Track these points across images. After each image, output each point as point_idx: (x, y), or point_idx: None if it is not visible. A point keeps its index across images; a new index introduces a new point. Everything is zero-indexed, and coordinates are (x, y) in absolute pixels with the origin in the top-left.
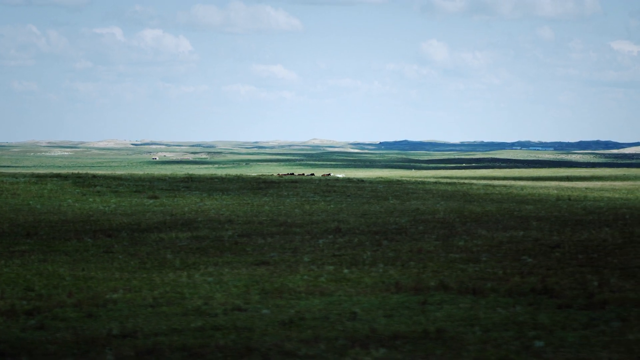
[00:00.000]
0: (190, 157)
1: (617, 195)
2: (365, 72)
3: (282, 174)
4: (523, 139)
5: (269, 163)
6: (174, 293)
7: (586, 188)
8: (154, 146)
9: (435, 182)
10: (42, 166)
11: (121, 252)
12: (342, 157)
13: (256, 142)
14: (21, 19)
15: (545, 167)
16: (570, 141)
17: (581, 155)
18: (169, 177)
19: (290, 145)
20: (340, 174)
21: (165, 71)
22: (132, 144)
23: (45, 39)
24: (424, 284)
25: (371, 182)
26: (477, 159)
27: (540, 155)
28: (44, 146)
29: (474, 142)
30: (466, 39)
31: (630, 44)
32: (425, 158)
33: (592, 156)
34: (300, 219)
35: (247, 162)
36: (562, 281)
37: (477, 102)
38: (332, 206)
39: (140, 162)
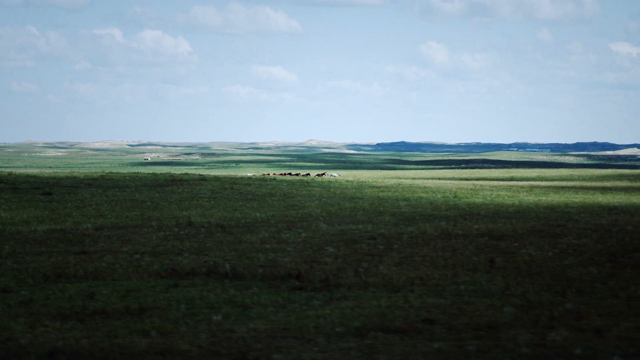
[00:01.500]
0: (181, 158)
1: (494, 196)
2: (365, 74)
3: (279, 174)
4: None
5: (259, 164)
6: None
7: (490, 187)
8: (150, 147)
9: (346, 182)
10: (31, 166)
11: None
12: (332, 158)
13: (253, 143)
14: (20, 20)
15: (518, 167)
16: (567, 143)
17: (574, 157)
18: (84, 176)
19: (286, 147)
20: (335, 173)
21: (165, 72)
22: (128, 145)
23: (45, 40)
24: (196, 269)
25: (277, 181)
26: (467, 159)
27: (532, 157)
28: (40, 147)
29: (471, 143)
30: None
31: (630, 46)
32: (414, 159)
33: (583, 158)
34: (161, 214)
35: (237, 162)
36: (325, 267)
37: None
38: (211, 202)
39: (129, 163)
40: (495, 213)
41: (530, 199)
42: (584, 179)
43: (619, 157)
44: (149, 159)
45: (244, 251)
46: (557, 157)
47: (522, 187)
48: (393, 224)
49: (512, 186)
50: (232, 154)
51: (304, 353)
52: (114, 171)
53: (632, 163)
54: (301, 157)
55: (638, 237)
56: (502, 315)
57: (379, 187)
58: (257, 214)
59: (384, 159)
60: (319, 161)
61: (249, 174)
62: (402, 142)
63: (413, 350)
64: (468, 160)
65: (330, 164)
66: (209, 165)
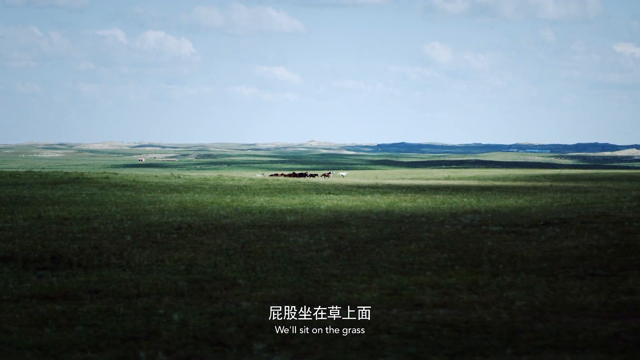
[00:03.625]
0: (176, 159)
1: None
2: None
3: (287, 174)
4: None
5: (251, 164)
6: None
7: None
8: (149, 148)
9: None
10: (22, 167)
11: None
12: (325, 159)
13: (253, 144)
14: (23, 21)
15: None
16: (568, 144)
17: (569, 159)
18: (18, 174)
19: (286, 147)
20: (343, 172)
21: (168, 73)
22: (127, 146)
23: (48, 41)
24: None
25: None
26: (459, 160)
27: (527, 157)
28: (40, 147)
29: (472, 144)
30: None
31: (633, 46)
32: (410, 160)
33: (577, 160)
34: (25, 208)
35: (230, 164)
36: (103, 251)
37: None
38: (88, 198)
39: (122, 164)
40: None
41: (376, 201)
42: (508, 179)
43: (614, 158)
44: (144, 160)
45: (53, 239)
46: (551, 159)
47: (422, 188)
48: (210, 217)
49: (425, 186)
50: (230, 155)
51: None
52: (130, 172)
53: (626, 164)
54: (294, 158)
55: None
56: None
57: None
58: (96, 208)
59: (376, 160)
60: (311, 162)
61: (258, 175)
62: (403, 143)
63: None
64: (460, 161)
65: (321, 165)
66: (201, 167)
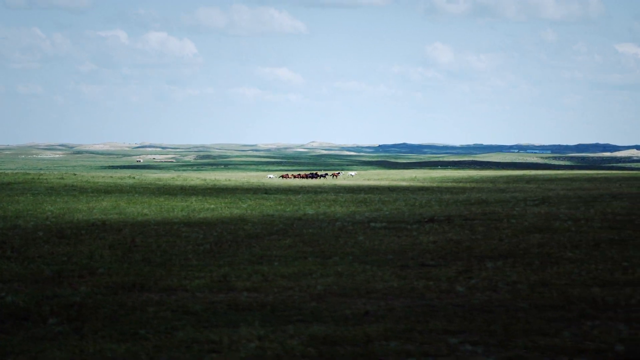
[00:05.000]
0: (174, 160)
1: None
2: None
3: (296, 175)
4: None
5: (248, 165)
6: None
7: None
8: (150, 149)
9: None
10: (19, 168)
11: None
12: (321, 160)
13: (253, 145)
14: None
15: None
16: (569, 144)
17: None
18: None
19: (286, 148)
20: (352, 172)
21: (170, 74)
22: (128, 147)
23: (50, 42)
24: None
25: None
26: (455, 161)
27: (525, 158)
28: (40, 148)
29: (472, 145)
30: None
31: (635, 47)
32: (404, 161)
33: (575, 161)
34: None
35: (227, 165)
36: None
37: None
38: (30, 198)
39: (119, 165)
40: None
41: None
42: (470, 180)
43: (613, 159)
44: (142, 161)
45: None
46: (548, 160)
47: (362, 189)
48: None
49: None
50: (230, 156)
51: None
52: (91, 173)
53: (622, 165)
54: (292, 159)
55: None
56: None
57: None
58: (31, 207)
59: (372, 161)
60: (308, 164)
61: (270, 175)
62: (404, 144)
63: None
64: (457, 162)
65: (316, 167)
66: (197, 167)
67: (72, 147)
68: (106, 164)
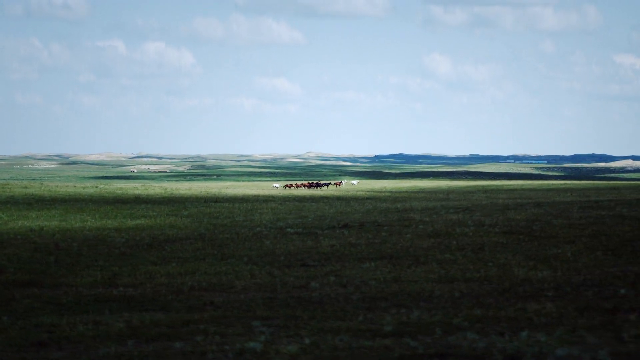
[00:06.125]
0: (167, 170)
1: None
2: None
3: (300, 184)
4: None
5: (240, 175)
6: None
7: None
8: (146, 159)
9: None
10: (13, 178)
11: None
12: (316, 171)
13: (248, 156)
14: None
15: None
16: (565, 154)
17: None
18: None
19: (282, 158)
20: (354, 181)
21: (169, 84)
22: (124, 157)
23: (48, 52)
24: None
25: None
26: (447, 172)
27: (519, 169)
28: (37, 159)
29: (469, 155)
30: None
31: (633, 57)
32: (396, 171)
33: (570, 171)
34: None
35: (219, 175)
36: None
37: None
38: None
39: (112, 176)
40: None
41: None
42: (433, 190)
43: (607, 169)
44: (135, 172)
45: None
46: (541, 170)
47: (316, 199)
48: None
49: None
50: (224, 166)
51: None
52: (59, 183)
53: (615, 175)
54: (284, 169)
55: None
56: None
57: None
58: None
59: (364, 172)
60: (300, 174)
61: (275, 185)
62: (401, 154)
63: None
64: (449, 172)
65: (309, 177)
66: (190, 177)
67: (67, 158)
68: (100, 174)
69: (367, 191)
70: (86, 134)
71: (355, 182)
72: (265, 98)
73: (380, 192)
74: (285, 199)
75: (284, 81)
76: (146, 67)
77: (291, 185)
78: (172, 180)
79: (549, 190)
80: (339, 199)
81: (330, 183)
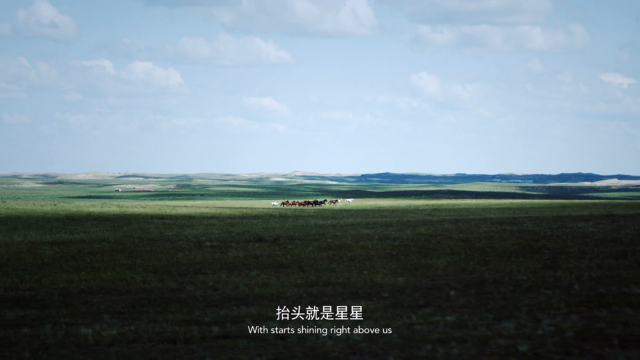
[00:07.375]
0: (152, 189)
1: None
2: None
3: (299, 202)
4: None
5: (224, 195)
6: None
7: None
8: (132, 178)
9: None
10: None
11: None
12: (301, 190)
13: (234, 175)
14: (11, 51)
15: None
16: (552, 173)
17: (546, 189)
18: None
19: (268, 178)
20: (350, 199)
21: (156, 103)
22: (111, 176)
23: (35, 71)
24: None
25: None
26: (429, 191)
27: (504, 188)
28: (23, 178)
29: (455, 174)
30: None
31: (620, 76)
32: (379, 191)
33: (553, 190)
34: None
35: (202, 195)
36: None
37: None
38: None
39: (95, 195)
40: None
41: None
42: (378, 210)
43: (591, 189)
44: (120, 191)
45: None
46: (525, 190)
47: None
48: None
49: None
50: (209, 186)
51: None
52: (61, 202)
53: (598, 194)
54: (268, 188)
55: None
56: None
57: None
58: None
59: (347, 191)
60: (284, 195)
61: (274, 203)
62: (387, 173)
63: None
64: (432, 191)
65: (292, 197)
66: (174, 197)
67: (54, 177)
68: (83, 194)
69: (315, 210)
70: (74, 153)
71: (350, 200)
72: (252, 117)
73: (330, 210)
74: (229, 217)
75: (271, 100)
76: (133, 87)
77: (288, 202)
78: (154, 199)
79: (500, 209)
80: (283, 216)
81: (325, 201)
